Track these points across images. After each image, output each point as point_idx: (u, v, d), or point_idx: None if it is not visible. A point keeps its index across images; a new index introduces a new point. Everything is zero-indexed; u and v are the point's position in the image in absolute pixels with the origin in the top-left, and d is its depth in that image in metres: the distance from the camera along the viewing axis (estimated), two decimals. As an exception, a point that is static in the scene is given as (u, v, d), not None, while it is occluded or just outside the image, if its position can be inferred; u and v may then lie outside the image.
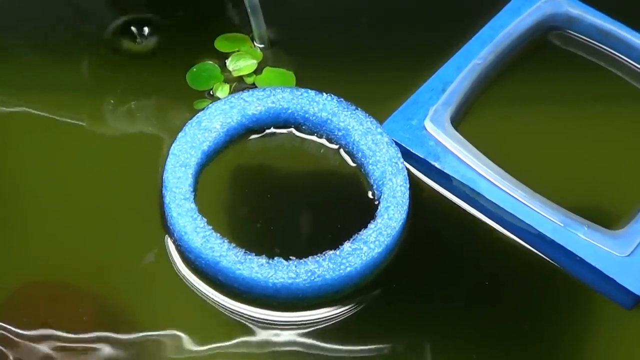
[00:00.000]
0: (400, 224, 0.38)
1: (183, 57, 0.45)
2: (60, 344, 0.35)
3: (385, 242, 0.37)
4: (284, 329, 0.36)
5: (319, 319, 0.37)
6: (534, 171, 0.42)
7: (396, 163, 0.39)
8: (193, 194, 0.37)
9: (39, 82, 0.45)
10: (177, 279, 0.37)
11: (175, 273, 0.37)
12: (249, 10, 0.43)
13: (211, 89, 0.43)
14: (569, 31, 0.49)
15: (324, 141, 0.42)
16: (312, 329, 0.36)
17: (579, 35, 0.49)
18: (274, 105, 0.41)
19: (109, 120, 0.43)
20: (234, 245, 0.36)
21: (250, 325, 0.36)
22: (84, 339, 0.35)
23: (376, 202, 0.39)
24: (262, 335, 0.36)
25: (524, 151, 0.43)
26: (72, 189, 0.40)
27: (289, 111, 0.41)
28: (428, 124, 0.42)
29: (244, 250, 0.36)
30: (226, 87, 0.43)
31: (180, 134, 0.39)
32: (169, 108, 0.43)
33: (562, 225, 0.39)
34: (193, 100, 0.43)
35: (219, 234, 0.36)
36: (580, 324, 0.38)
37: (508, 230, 0.40)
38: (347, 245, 0.36)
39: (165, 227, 0.38)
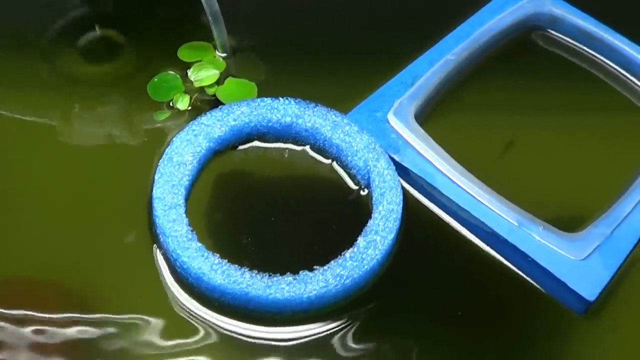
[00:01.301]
0: (400, 206, 0.38)
1: (146, 66, 0.44)
2: (39, 340, 0.34)
3: (395, 227, 0.37)
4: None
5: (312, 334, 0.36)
6: (498, 173, 0.41)
7: (375, 148, 0.39)
8: (191, 231, 0.36)
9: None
10: (163, 292, 0.36)
11: (161, 284, 0.36)
12: (210, 18, 0.42)
13: (171, 100, 0.42)
14: (552, 31, 0.48)
15: (289, 145, 0.41)
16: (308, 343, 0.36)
17: (561, 36, 0.48)
18: (235, 122, 0.40)
19: (75, 125, 0.42)
20: (253, 270, 0.35)
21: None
22: (65, 336, 0.35)
23: (363, 192, 0.39)
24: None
25: (491, 152, 0.43)
26: (44, 189, 0.40)
27: (252, 124, 0.40)
28: (391, 116, 0.41)
29: (266, 274, 0.35)
30: (186, 99, 0.42)
31: (157, 175, 0.38)
32: (132, 117, 0.42)
33: (516, 224, 0.38)
34: (154, 110, 0.42)
35: (236, 265, 0.35)
36: (535, 330, 0.37)
37: (464, 227, 0.39)
38: (361, 240, 0.36)
39: (150, 218, 0.37)
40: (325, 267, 0.35)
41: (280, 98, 0.40)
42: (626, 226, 0.39)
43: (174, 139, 0.39)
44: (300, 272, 0.35)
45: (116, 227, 0.38)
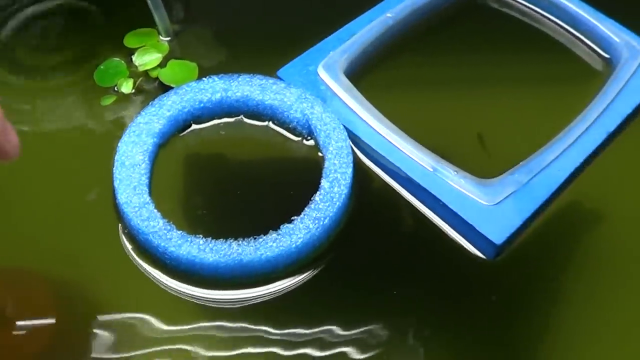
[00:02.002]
0: (348, 141, 0.39)
1: (94, 55, 0.45)
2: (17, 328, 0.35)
3: (350, 160, 0.38)
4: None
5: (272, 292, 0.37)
6: (425, 128, 0.42)
7: (307, 97, 0.41)
8: (167, 222, 0.37)
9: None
10: (131, 266, 0.37)
11: (129, 260, 0.37)
12: (150, 4, 0.44)
13: (116, 85, 0.44)
14: (499, -8, 0.48)
15: (225, 120, 0.42)
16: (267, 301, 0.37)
17: (509, -3, 0.48)
18: (170, 112, 0.41)
19: (27, 115, 0.43)
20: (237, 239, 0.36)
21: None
22: (40, 322, 0.36)
23: (308, 141, 0.41)
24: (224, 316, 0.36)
25: (418, 109, 0.43)
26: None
27: (186, 109, 0.41)
28: (320, 69, 0.42)
29: (250, 238, 0.36)
30: (130, 83, 0.44)
31: (115, 182, 0.38)
32: (80, 104, 0.43)
33: (431, 170, 0.38)
34: (102, 95, 0.43)
35: (220, 239, 0.36)
36: (448, 273, 0.38)
37: (386, 174, 0.40)
38: (324, 182, 0.37)
39: (122, 222, 0.38)
40: (302, 215, 0.36)
41: (204, 78, 0.41)
42: (544, 176, 0.39)
43: (119, 144, 0.39)
44: (281, 227, 0.36)
45: (83, 212, 0.39)
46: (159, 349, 0.34)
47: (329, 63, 0.43)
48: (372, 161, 0.40)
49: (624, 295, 0.37)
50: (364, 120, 0.40)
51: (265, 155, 0.41)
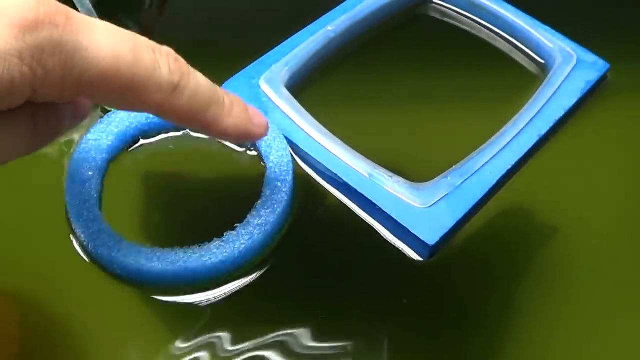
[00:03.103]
0: (288, 150, 0.41)
1: None
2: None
3: (290, 168, 0.40)
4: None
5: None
6: (360, 135, 0.43)
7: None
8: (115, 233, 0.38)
9: None
10: (88, 278, 0.38)
11: (86, 272, 0.38)
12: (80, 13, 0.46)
13: None
14: (439, 2, 0.50)
15: (171, 134, 0.44)
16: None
17: (448, 6, 0.50)
18: (118, 129, 0.42)
19: None
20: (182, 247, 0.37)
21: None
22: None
23: (252, 152, 0.42)
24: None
25: (359, 120, 0.45)
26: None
27: (133, 125, 0.42)
28: (262, 82, 0.44)
29: (195, 245, 0.37)
30: None
31: (67, 197, 0.39)
32: None
33: (367, 176, 0.40)
34: None
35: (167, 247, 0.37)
36: (383, 275, 0.39)
37: (325, 181, 0.41)
38: (265, 191, 0.39)
39: (75, 237, 0.39)
40: (244, 222, 0.38)
41: None
42: (477, 178, 0.40)
43: (70, 161, 0.40)
44: (225, 234, 0.37)
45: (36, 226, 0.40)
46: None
47: (270, 76, 0.44)
48: (312, 169, 0.42)
49: (550, 287, 0.38)
50: (303, 130, 0.42)
51: (211, 167, 0.43)
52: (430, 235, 0.38)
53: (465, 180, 0.40)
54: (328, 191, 0.41)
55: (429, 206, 0.39)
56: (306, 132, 0.42)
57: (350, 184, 0.40)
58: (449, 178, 0.40)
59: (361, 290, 0.38)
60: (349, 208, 0.40)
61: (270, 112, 0.43)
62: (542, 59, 0.47)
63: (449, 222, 0.38)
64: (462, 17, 0.50)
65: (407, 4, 0.50)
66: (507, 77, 0.47)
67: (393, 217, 0.39)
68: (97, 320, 0.37)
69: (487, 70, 0.47)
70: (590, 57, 0.46)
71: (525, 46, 0.48)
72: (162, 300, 0.37)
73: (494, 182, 0.40)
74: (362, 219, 0.40)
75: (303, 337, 0.36)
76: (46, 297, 0.38)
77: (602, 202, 0.41)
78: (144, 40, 0.29)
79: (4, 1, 0.25)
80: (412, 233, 0.38)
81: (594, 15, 0.50)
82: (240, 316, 0.37)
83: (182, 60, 0.30)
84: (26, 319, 0.37)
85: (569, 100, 0.44)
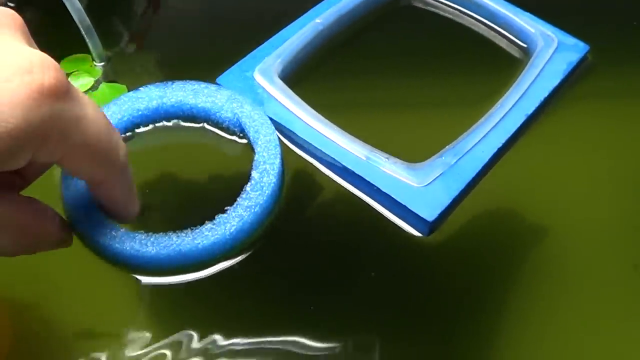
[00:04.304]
0: (275, 134, 0.41)
1: None
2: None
3: (277, 152, 0.40)
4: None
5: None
6: (358, 124, 0.44)
7: (236, 98, 0.43)
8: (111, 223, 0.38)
9: None
10: (85, 277, 0.39)
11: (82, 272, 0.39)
12: (83, 31, 0.46)
13: None
14: (423, -6, 0.52)
15: (162, 123, 0.45)
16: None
17: (432, -2, 0.52)
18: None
19: None
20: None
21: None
22: None
23: (241, 140, 0.43)
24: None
25: (354, 107, 0.46)
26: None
27: (125, 119, 0.43)
28: (256, 73, 0.45)
29: (187, 229, 0.38)
30: None
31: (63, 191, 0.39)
32: None
33: (364, 159, 0.41)
34: None
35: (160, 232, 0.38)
36: (385, 251, 0.40)
37: (323, 165, 0.42)
38: (254, 174, 0.40)
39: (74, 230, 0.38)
40: (234, 205, 0.39)
41: (141, 88, 0.43)
42: (470, 157, 0.42)
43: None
44: (216, 217, 0.38)
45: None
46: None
47: (264, 68, 0.45)
48: (309, 155, 0.43)
49: (544, 270, 0.39)
50: (300, 118, 0.43)
51: (202, 155, 0.44)
52: (429, 211, 0.39)
53: (459, 159, 0.41)
54: (318, 173, 0.42)
55: (426, 185, 0.40)
56: (303, 120, 0.43)
57: (349, 167, 0.41)
58: (443, 157, 0.41)
59: (359, 267, 0.39)
60: (341, 189, 0.42)
61: (265, 102, 0.44)
62: (524, 43, 0.49)
63: (445, 199, 0.40)
64: (444, 6, 0.51)
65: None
66: (491, 61, 0.49)
67: (392, 196, 0.40)
68: (90, 310, 0.38)
69: (472, 56, 0.49)
70: (570, 40, 0.48)
71: (508, 32, 0.49)
72: (156, 284, 0.38)
73: (486, 160, 0.42)
74: (360, 199, 0.41)
75: (293, 319, 0.37)
76: (39, 295, 0.38)
77: (590, 184, 0.43)
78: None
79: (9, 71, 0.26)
80: (411, 211, 0.39)
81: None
82: (230, 296, 0.38)
83: None
84: (18, 318, 0.38)
85: (552, 81, 0.46)
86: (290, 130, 0.43)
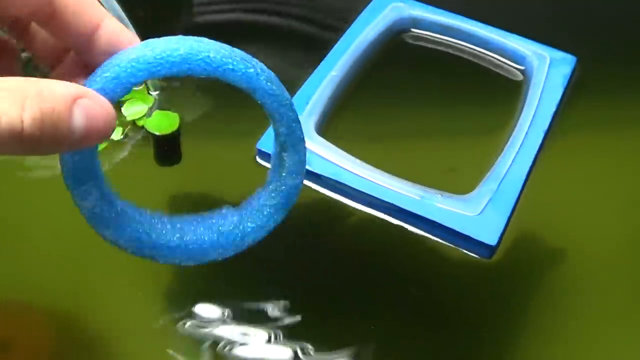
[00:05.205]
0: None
1: None
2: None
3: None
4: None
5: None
6: (394, 161, 0.48)
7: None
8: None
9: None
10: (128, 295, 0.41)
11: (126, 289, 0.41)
12: None
13: None
14: (415, 30, 0.55)
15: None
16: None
17: (425, 32, 0.55)
18: None
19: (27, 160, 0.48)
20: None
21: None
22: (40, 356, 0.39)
23: None
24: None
25: (385, 143, 0.50)
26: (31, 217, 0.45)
27: None
28: (295, 134, 0.48)
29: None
30: (119, 130, 0.49)
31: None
32: None
33: (419, 199, 0.45)
34: None
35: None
36: (450, 279, 0.44)
37: (377, 210, 0.46)
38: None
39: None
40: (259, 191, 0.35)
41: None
42: (509, 179, 0.46)
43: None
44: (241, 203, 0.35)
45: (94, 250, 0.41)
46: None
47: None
48: (359, 202, 0.46)
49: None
50: (349, 170, 0.46)
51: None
52: (491, 236, 0.43)
53: (500, 183, 0.46)
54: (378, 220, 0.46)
55: (480, 213, 0.44)
56: (353, 172, 0.46)
57: (406, 208, 0.44)
58: (486, 185, 0.46)
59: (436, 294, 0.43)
60: (397, 226, 0.45)
61: (311, 160, 0.47)
62: (520, 65, 0.54)
63: (501, 222, 0.44)
64: (440, 40, 0.55)
65: (390, 36, 0.55)
66: (494, 87, 0.53)
67: (454, 229, 0.44)
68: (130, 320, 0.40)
69: (474, 84, 0.53)
70: (558, 54, 0.53)
71: (503, 57, 0.54)
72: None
73: (523, 178, 0.46)
74: (413, 234, 0.45)
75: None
76: (80, 306, 0.41)
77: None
78: None
79: None
80: (474, 239, 0.43)
81: (541, 14, 0.58)
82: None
83: None
84: (60, 328, 0.40)
85: (555, 95, 0.51)
86: (342, 183, 0.46)
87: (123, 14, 0.49)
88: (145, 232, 0.33)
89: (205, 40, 0.30)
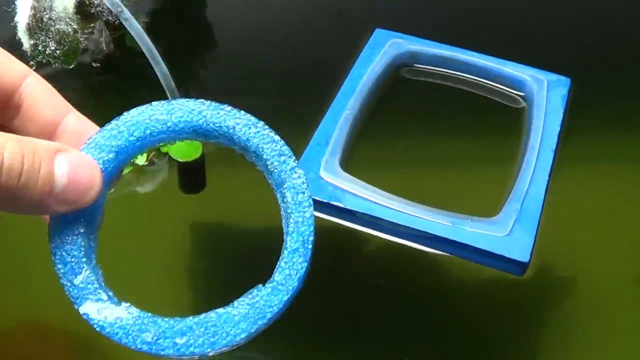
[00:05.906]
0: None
1: None
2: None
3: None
4: None
5: None
6: (418, 189, 0.50)
7: None
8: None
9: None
10: None
11: None
12: (168, 93, 0.49)
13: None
14: (416, 65, 0.58)
15: None
16: None
17: (424, 66, 0.58)
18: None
19: None
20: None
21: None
22: None
23: None
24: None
25: (406, 173, 0.52)
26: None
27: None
28: (323, 173, 0.49)
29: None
30: (144, 156, 0.52)
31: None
32: None
33: (450, 225, 0.47)
34: None
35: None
36: (485, 298, 0.46)
37: (409, 241, 0.48)
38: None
39: None
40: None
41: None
42: (530, 198, 0.49)
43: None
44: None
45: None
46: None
47: (328, 167, 0.50)
48: (395, 236, 0.48)
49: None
50: (381, 204, 0.48)
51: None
52: (522, 254, 0.46)
53: (523, 202, 0.48)
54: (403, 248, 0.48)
55: (509, 233, 0.47)
56: (385, 205, 0.48)
57: (440, 235, 0.47)
58: (511, 205, 0.48)
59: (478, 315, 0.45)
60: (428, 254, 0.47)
61: (341, 197, 0.49)
62: (520, 91, 0.57)
63: (530, 240, 0.47)
64: (440, 72, 0.58)
65: (391, 70, 0.57)
66: (497, 114, 0.56)
67: (487, 250, 0.46)
68: None
69: (478, 113, 0.56)
70: (554, 77, 0.56)
71: (502, 84, 0.57)
72: None
73: (542, 196, 0.49)
74: (442, 258, 0.47)
75: None
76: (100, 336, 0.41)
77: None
78: None
79: None
80: (507, 258, 0.46)
81: (530, 38, 0.61)
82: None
83: None
84: (78, 351, 0.41)
85: (557, 116, 0.54)
86: (374, 217, 0.48)
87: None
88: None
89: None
